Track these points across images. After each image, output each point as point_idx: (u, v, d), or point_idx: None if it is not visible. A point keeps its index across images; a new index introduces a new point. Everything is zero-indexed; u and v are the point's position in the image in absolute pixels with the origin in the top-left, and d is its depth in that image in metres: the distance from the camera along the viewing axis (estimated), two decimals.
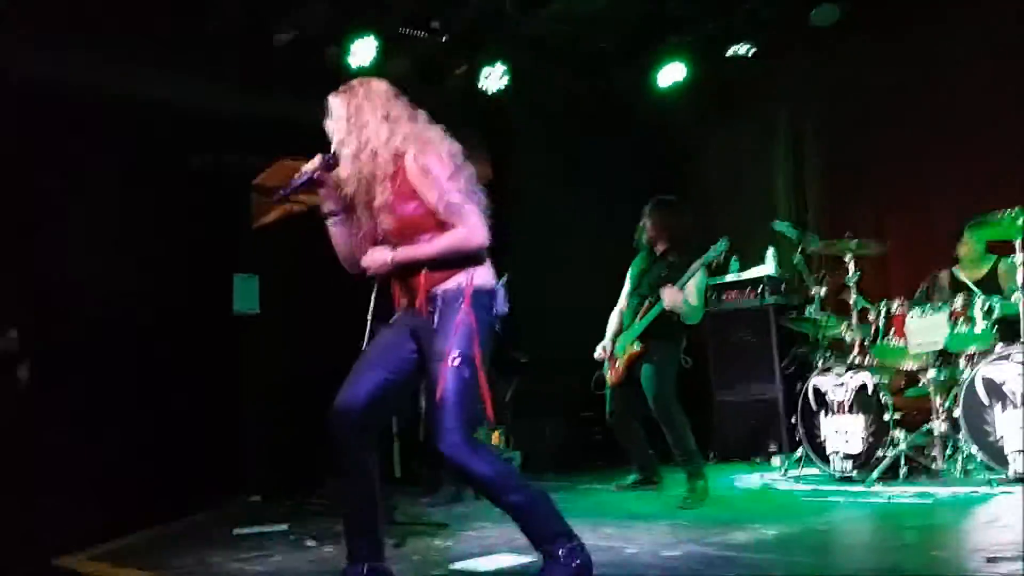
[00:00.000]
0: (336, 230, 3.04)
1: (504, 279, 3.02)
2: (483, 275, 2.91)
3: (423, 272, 2.89)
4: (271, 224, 4.53)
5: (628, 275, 5.32)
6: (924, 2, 6.30)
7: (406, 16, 6.44)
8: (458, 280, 2.86)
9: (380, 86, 3.01)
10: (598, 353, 5.24)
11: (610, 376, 5.16)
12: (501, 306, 2.94)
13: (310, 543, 4.21)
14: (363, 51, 6.20)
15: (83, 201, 5.44)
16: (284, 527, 4.65)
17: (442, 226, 2.87)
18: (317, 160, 2.95)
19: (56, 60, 5.35)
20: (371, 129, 2.90)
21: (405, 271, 2.93)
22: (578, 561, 2.79)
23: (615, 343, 5.17)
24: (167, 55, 5.69)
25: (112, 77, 5.60)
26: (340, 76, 6.12)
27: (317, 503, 5.34)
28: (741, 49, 7.03)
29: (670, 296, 4.88)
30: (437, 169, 2.86)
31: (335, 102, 2.99)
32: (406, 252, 2.89)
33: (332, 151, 2.96)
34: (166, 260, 5.70)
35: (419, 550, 3.90)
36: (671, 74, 7.21)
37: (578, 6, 6.55)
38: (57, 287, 5.30)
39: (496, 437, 5.82)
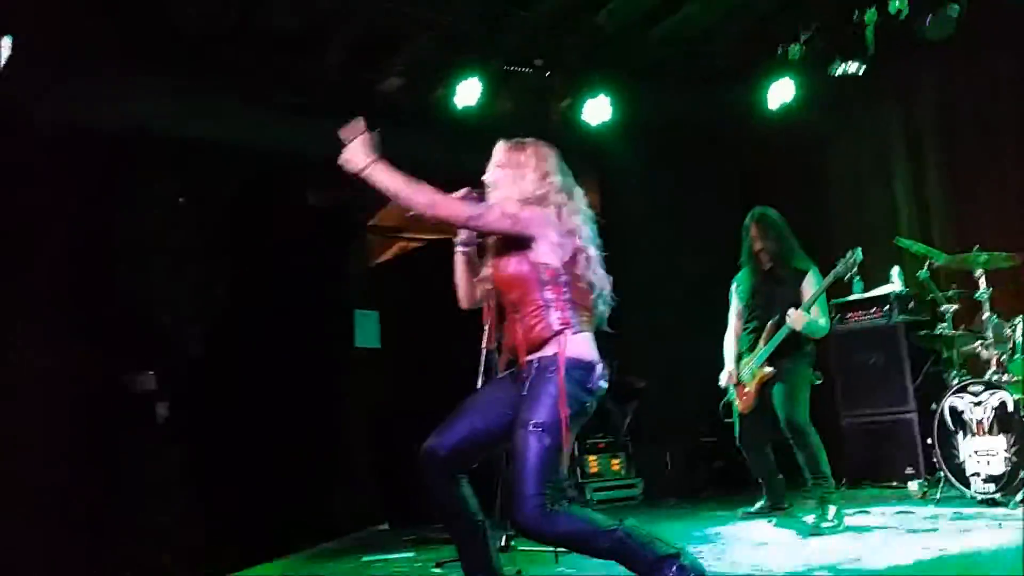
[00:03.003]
0: (460, 260, 3.14)
1: (606, 363, 2.99)
2: (579, 347, 2.90)
3: (519, 333, 2.93)
4: (390, 260, 4.68)
5: (734, 292, 5.22)
6: None
7: (509, 54, 6.58)
8: (554, 348, 2.87)
9: (549, 151, 3.11)
10: (723, 379, 5.13)
11: (740, 402, 5.04)
12: (597, 382, 2.93)
13: (436, 570, 4.26)
14: (468, 91, 6.36)
15: (200, 242, 5.71)
16: (411, 554, 4.71)
17: (542, 286, 2.91)
18: (463, 191, 3.04)
19: (169, 105, 5.65)
20: (521, 183, 3.01)
21: (505, 326, 3.00)
22: (691, 574, 2.78)
23: (739, 367, 5.07)
24: (288, 97, 5.97)
25: (235, 121, 5.90)
26: (448, 116, 6.39)
27: (441, 531, 5.40)
28: (850, 67, 6.86)
29: (798, 319, 4.75)
30: (523, 211, 2.93)
31: (497, 154, 3.12)
32: (382, 174, 2.87)
33: (482, 190, 3.07)
34: (288, 297, 5.91)
35: None
36: (781, 93, 7.11)
37: (681, 28, 6.55)
38: (184, 328, 5.56)
39: (616, 464, 5.77)
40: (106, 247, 5.24)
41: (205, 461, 5.28)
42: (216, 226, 5.76)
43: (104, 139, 5.26)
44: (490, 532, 3.04)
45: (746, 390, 4.99)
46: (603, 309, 3.03)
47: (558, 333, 2.88)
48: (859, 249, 4.80)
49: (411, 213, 3.04)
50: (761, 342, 4.92)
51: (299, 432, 5.74)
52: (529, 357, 2.91)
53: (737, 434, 5.11)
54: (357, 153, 2.90)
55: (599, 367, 2.95)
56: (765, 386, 4.90)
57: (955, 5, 6.03)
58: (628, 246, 7.15)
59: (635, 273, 7.16)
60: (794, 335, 4.81)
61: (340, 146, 2.95)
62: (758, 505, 5.23)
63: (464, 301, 3.15)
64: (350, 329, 6.33)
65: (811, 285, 4.91)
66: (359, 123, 2.93)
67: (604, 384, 2.97)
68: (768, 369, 4.88)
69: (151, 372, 5.30)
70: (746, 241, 5.12)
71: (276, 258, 5.95)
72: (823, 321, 4.85)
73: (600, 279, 3.01)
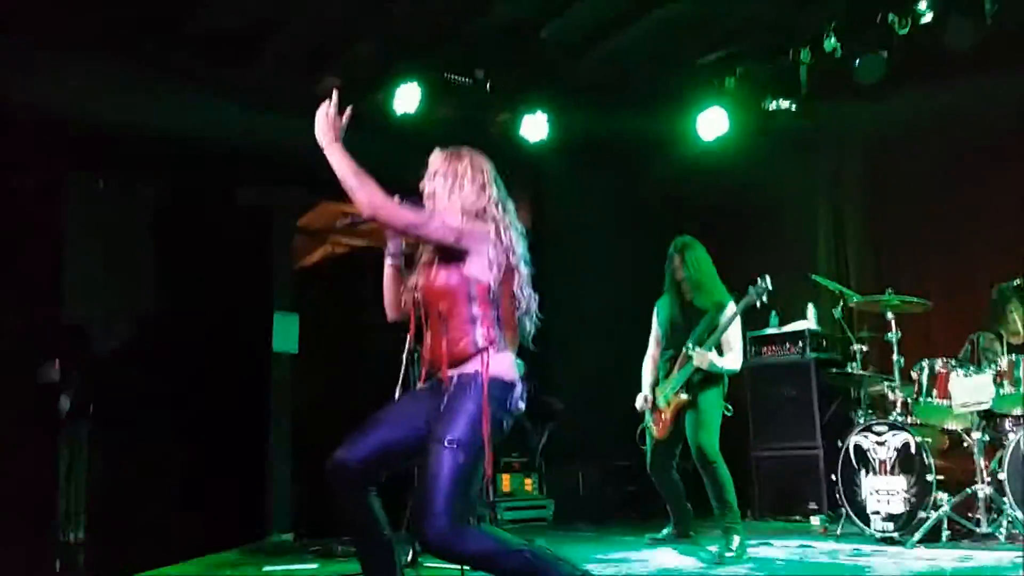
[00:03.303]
0: (389, 272, 3.08)
1: (522, 373, 2.98)
2: (502, 365, 2.88)
3: (443, 346, 2.89)
4: (314, 264, 4.60)
5: (656, 319, 5.28)
6: (969, 57, 6.26)
7: (450, 63, 6.56)
8: (476, 366, 2.84)
9: (485, 163, 3.07)
10: (639, 404, 5.18)
11: (655, 428, 5.09)
12: (516, 402, 2.91)
13: None
14: (407, 97, 6.31)
15: (123, 234, 5.55)
16: (314, 567, 4.63)
17: (471, 301, 2.88)
18: (395, 199, 2.95)
19: (94, 92, 5.49)
20: (461, 193, 2.96)
21: (429, 339, 2.94)
22: None
23: (655, 393, 5.13)
24: (215, 90, 5.83)
25: (158, 111, 5.75)
26: (385, 121, 6.31)
27: (348, 543, 5.32)
28: (783, 104, 7.03)
29: (702, 359, 4.82)
30: (465, 225, 2.90)
31: (433, 163, 3.06)
32: (339, 155, 2.81)
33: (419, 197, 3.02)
34: (206, 295, 5.78)
35: None
36: (713, 123, 7.26)
37: (620, 54, 6.62)
38: (93, 320, 5.39)
39: (528, 484, 5.77)
40: (21, 237, 5.03)
41: (110, 462, 5.12)
42: (138, 220, 5.59)
43: (25, 125, 5.05)
44: (397, 547, 2.99)
45: (662, 416, 5.04)
46: (528, 328, 3.03)
47: (482, 350, 2.85)
48: (768, 277, 4.85)
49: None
50: (676, 369, 4.99)
51: (209, 436, 5.61)
52: (450, 372, 2.87)
53: (648, 460, 5.16)
54: (322, 127, 2.85)
55: (519, 387, 2.93)
56: (679, 413, 4.96)
57: (884, 51, 6.25)
58: (555, 265, 7.20)
59: (560, 293, 7.20)
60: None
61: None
62: (664, 532, 5.28)
63: (391, 311, 3.10)
64: (269, 332, 6.20)
65: (727, 317, 4.96)
66: (334, 97, 2.86)
67: (522, 405, 2.96)
68: (683, 396, 4.94)
69: (55, 362, 5.11)
70: (669, 269, 5.19)
71: (199, 255, 5.81)
72: (727, 362, 4.89)
73: (528, 298, 3.00)
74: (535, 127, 7.02)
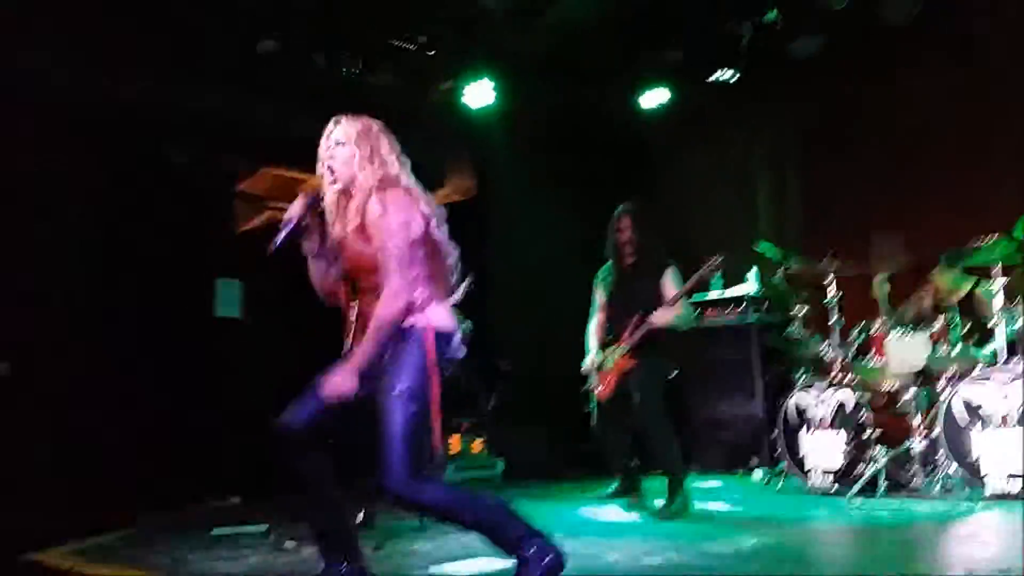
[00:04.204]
0: (313, 264, 3.05)
1: (466, 325, 2.99)
2: (439, 316, 2.92)
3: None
4: (255, 229, 4.52)
5: (599, 284, 5.34)
6: (908, 31, 6.40)
7: (393, 28, 6.48)
8: (413, 319, 2.86)
9: (379, 129, 3.05)
10: (586, 367, 5.24)
11: (599, 390, 5.16)
12: (456, 350, 2.95)
13: (289, 545, 4.16)
14: (349, 62, 6.22)
15: (61, 199, 5.40)
16: (263, 528, 4.59)
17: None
18: (300, 203, 2.95)
19: (34, 58, 5.31)
20: (378, 161, 2.95)
21: (363, 303, 2.92)
22: (549, 556, 2.82)
23: (600, 356, 5.17)
24: (154, 54, 5.69)
25: (93, 75, 5.58)
26: (327, 86, 6.21)
27: (297, 506, 5.27)
28: (724, 75, 7.11)
29: (664, 317, 4.92)
30: (392, 214, 2.86)
31: (345, 132, 3.00)
32: (357, 359, 2.81)
33: (317, 194, 2.98)
34: (144, 262, 5.68)
35: (398, 553, 3.87)
36: (655, 95, 7.33)
37: (566, 24, 6.61)
38: (35, 286, 5.25)
39: (477, 445, 5.78)
40: None
41: (47, 425, 5.00)
42: (70, 182, 5.44)
43: None
44: (347, 508, 2.99)
45: (608, 379, 5.11)
46: (455, 277, 3.04)
47: (418, 305, 2.87)
48: (721, 256, 4.99)
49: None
50: (626, 334, 5.04)
51: (154, 400, 5.52)
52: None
53: (594, 420, 5.23)
54: (338, 380, 2.81)
55: (457, 335, 2.96)
56: (624, 375, 5.03)
57: (821, 26, 6.37)
58: (502, 232, 7.21)
59: (507, 258, 7.22)
60: (657, 331, 4.97)
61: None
62: (611, 489, 5.36)
63: (325, 298, 3.08)
64: (211, 298, 6.11)
65: (671, 282, 5.08)
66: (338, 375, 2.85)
67: (461, 353, 2.98)
68: (628, 359, 5.01)
69: None
70: (612, 235, 5.24)
71: (136, 221, 5.68)
72: (685, 312, 5.05)
73: (450, 249, 3.01)
74: (479, 94, 6.99)
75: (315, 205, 2.97)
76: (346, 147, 2.97)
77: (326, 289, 3.06)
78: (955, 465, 4.64)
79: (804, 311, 5.73)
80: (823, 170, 7.12)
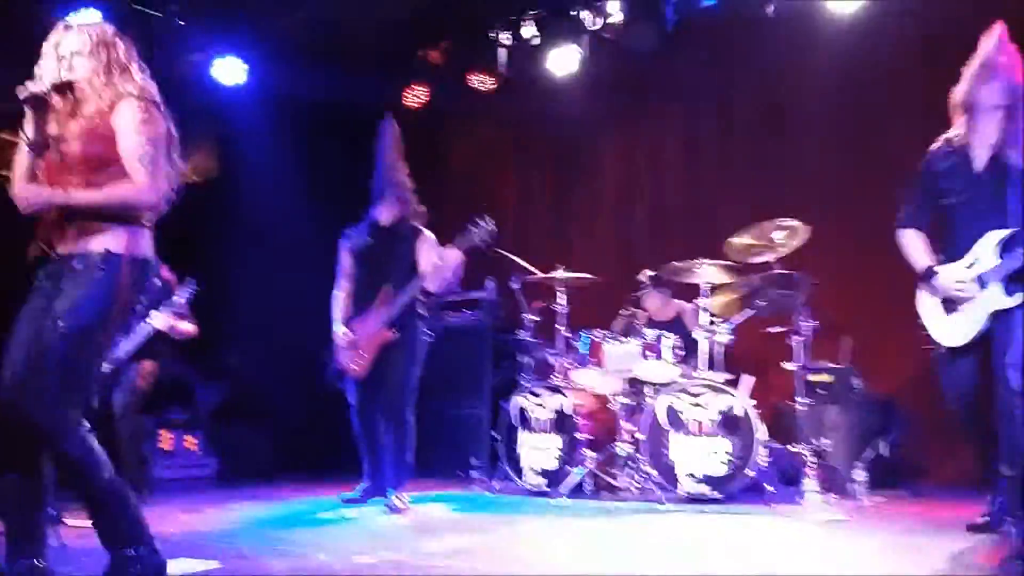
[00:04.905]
0: (23, 158, 2.78)
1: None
2: (139, 243, 2.75)
3: (77, 223, 2.69)
4: None
5: (345, 249, 4.99)
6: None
7: None
8: (108, 243, 2.68)
9: (114, 35, 2.90)
10: (338, 338, 4.82)
11: (354, 367, 4.74)
12: (151, 282, 2.80)
13: None
14: (87, 21, 5.77)
15: None
16: None
17: (125, 175, 2.71)
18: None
19: None
20: (125, 76, 2.81)
21: (62, 219, 2.71)
22: (138, 568, 2.66)
23: (352, 328, 4.77)
24: None
25: None
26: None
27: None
28: (486, 83, 7.27)
29: (454, 256, 4.63)
30: (141, 119, 2.74)
31: (76, 37, 2.82)
32: (71, 195, 2.66)
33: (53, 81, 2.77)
34: None
35: (91, 551, 3.63)
36: (416, 94, 7.41)
37: (328, 11, 6.52)
38: None
39: (190, 442, 5.50)
40: None
41: None
42: None
43: None
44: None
45: (362, 354, 4.73)
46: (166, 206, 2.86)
47: (116, 224, 2.70)
48: (491, 220, 4.79)
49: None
50: (381, 303, 4.72)
51: None
52: (79, 248, 2.67)
53: (355, 403, 4.85)
54: (38, 189, 2.69)
55: (154, 265, 2.82)
56: (383, 351, 4.70)
57: (576, 46, 6.74)
58: (237, 216, 6.89)
59: (245, 246, 6.95)
60: (412, 300, 4.73)
61: None
62: (359, 489, 4.98)
63: (20, 199, 2.74)
64: None
65: (427, 244, 4.86)
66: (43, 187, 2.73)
67: (156, 283, 2.87)
68: (389, 332, 4.71)
69: None
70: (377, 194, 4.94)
71: None
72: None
73: (173, 174, 2.85)
74: (230, 71, 6.78)
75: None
76: (78, 60, 2.79)
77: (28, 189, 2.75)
78: (652, 467, 5.05)
79: (535, 317, 5.99)
80: (565, 179, 7.50)
